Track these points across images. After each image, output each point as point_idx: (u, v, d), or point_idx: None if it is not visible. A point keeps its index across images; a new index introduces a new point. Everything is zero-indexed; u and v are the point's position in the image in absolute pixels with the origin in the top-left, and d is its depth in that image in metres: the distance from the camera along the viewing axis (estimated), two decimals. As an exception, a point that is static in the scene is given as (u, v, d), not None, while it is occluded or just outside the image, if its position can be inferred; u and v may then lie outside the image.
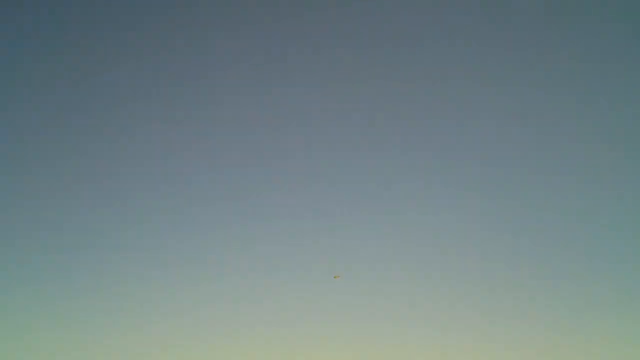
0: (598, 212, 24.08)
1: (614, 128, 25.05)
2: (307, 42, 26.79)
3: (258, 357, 21.53)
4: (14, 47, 25.92)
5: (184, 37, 26.56)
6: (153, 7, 26.71)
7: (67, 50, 26.45)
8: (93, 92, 26.17)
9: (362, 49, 26.81)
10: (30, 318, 22.09)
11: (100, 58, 26.38)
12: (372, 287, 23.05)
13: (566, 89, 25.70)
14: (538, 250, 23.75)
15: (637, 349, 20.78)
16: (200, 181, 25.59)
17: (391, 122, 26.19)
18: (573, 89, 25.72)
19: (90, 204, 24.84)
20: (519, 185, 24.92)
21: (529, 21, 25.96)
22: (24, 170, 25.24)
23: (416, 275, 23.48)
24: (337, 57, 26.73)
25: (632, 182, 24.09)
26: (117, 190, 25.22)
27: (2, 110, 25.62)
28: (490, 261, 23.63)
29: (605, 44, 25.59)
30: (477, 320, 22.27)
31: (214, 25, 26.75)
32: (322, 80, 26.82)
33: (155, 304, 22.84)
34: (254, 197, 25.08)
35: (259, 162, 25.82)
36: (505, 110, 25.94)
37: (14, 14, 25.94)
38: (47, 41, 26.18)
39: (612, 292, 22.48)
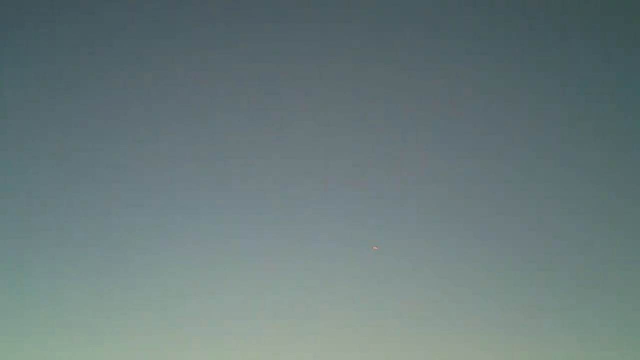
0: (600, 212, 24.11)
1: (615, 128, 25.10)
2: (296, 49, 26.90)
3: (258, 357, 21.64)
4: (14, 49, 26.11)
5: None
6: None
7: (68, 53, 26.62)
8: (100, 96, 26.31)
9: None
10: (29, 318, 22.21)
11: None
12: (372, 287, 23.11)
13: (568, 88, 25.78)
14: (538, 250, 23.78)
15: (637, 349, 20.78)
16: (198, 179, 25.69)
17: (392, 121, 26.26)
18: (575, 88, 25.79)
19: (91, 207, 24.96)
20: (519, 185, 24.96)
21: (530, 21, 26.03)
22: (25, 171, 25.36)
23: (415, 275, 23.52)
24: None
25: (632, 182, 24.10)
26: (118, 191, 25.33)
27: (3, 110, 25.78)
28: (490, 260, 23.65)
29: (605, 44, 25.64)
30: (478, 320, 22.30)
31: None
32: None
33: (155, 304, 22.93)
34: (256, 196, 25.20)
35: (261, 160, 25.91)
36: (507, 109, 26.00)
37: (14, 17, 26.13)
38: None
39: (613, 293, 22.49)
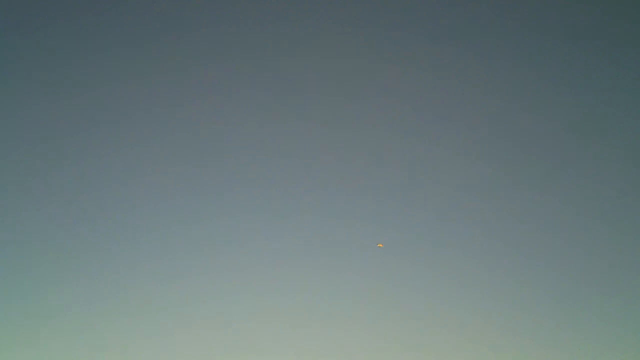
0: (599, 212, 24.05)
1: (615, 128, 25.04)
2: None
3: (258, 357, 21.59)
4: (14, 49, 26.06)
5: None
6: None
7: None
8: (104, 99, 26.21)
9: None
10: (29, 319, 22.18)
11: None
12: (373, 287, 23.04)
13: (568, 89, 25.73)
14: (542, 250, 23.72)
15: (636, 349, 20.73)
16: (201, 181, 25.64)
17: (393, 123, 26.24)
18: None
19: (93, 211, 24.87)
20: (518, 185, 24.90)
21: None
22: (26, 175, 25.25)
23: (416, 275, 23.45)
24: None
25: (632, 181, 24.05)
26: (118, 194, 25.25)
27: (4, 112, 25.76)
28: (491, 261, 23.58)
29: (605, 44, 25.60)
30: (477, 320, 22.24)
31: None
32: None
33: (156, 304, 22.86)
34: (258, 198, 25.11)
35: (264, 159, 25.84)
36: (507, 108, 25.95)
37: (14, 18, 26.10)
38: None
39: (613, 293, 22.42)
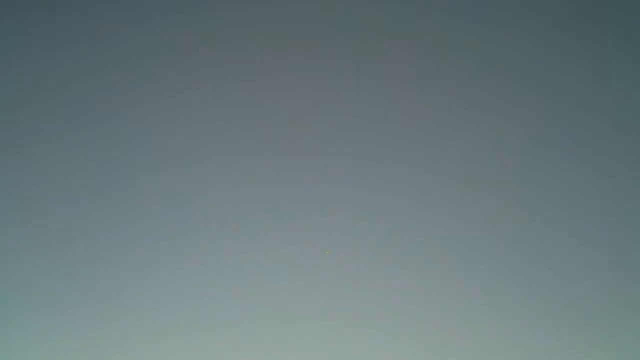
0: (599, 211, 24.04)
1: (614, 127, 25.04)
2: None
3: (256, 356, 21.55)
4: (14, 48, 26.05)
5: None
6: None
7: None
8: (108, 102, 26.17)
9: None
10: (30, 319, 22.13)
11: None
12: (367, 287, 23.01)
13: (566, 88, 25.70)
14: (536, 249, 23.69)
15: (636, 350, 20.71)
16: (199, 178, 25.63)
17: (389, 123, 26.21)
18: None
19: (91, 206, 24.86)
20: (518, 184, 24.89)
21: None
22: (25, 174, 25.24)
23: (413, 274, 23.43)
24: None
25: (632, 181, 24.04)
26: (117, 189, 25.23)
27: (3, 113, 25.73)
28: (491, 261, 23.57)
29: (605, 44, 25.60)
30: (476, 320, 22.22)
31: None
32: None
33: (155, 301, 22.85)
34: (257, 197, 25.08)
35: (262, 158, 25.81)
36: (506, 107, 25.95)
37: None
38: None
39: (613, 293, 22.44)
